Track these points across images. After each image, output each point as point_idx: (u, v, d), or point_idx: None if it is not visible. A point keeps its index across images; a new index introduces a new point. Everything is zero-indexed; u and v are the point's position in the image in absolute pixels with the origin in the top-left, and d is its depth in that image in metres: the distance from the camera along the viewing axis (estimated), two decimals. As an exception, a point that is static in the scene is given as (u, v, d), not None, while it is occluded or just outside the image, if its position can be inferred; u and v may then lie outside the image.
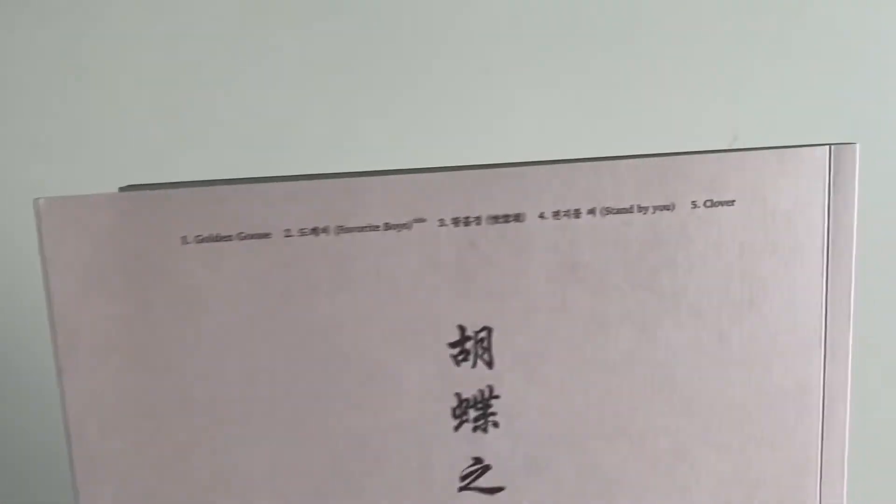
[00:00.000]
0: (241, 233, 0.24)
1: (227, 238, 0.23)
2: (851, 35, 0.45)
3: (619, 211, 0.24)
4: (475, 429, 0.25)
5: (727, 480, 0.26)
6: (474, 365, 0.25)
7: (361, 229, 0.24)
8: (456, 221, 0.24)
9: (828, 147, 0.25)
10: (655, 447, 0.25)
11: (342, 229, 0.24)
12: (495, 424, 0.25)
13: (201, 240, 0.23)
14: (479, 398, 0.25)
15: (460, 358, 0.25)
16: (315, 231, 0.24)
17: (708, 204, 0.24)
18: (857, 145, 0.25)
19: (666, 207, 0.24)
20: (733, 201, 0.25)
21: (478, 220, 0.24)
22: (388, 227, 0.24)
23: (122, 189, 0.25)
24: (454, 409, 0.25)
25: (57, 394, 0.24)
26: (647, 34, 0.45)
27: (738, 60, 0.45)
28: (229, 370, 0.24)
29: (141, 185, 0.25)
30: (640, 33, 0.45)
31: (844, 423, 0.26)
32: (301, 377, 0.24)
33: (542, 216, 0.24)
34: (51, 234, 0.23)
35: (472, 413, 0.25)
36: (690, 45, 0.45)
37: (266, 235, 0.24)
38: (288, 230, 0.24)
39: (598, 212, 0.24)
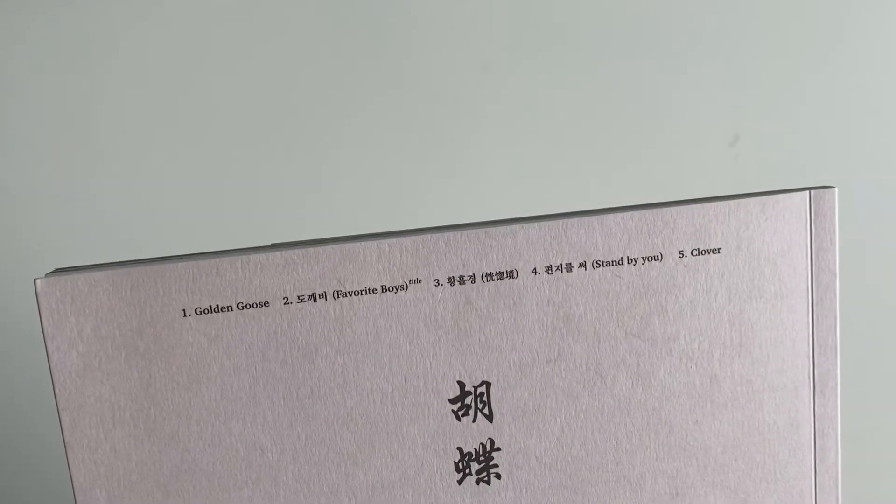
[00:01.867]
0: (241, 303, 0.24)
1: (227, 309, 0.24)
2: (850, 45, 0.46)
3: (610, 263, 0.25)
4: (478, 481, 0.26)
5: None
6: (475, 419, 0.25)
7: (359, 293, 0.24)
8: (451, 280, 0.24)
9: (808, 192, 0.25)
10: (654, 489, 0.26)
11: (340, 294, 0.24)
12: (497, 476, 0.26)
13: (201, 311, 0.24)
14: (480, 451, 0.25)
15: (461, 413, 0.25)
16: (313, 297, 0.24)
17: (695, 252, 0.25)
18: (836, 189, 0.25)
19: (654, 258, 0.25)
20: (719, 249, 0.25)
21: (472, 278, 0.25)
22: (384, 289, 0.24)
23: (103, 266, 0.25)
24: (457, 463, 0.25)
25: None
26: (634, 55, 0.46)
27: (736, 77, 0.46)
28: (234, 437, 0.24)
29: (130, 260, 0.25)
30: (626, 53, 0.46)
31: (836, 455, 0.27)
32: (305, 440, 0.25)
33: (534, 272, 0.25)
34: (51, 313, 0.23)
35: (475, 466, 0.25)
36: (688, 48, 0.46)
37: (265, 304, 0.24)
38: (286, 298, 0.24)
39: (588, 265, 0.25)
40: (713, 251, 0.25)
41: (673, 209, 0.25)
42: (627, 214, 0.25)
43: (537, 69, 0.45)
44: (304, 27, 0.44)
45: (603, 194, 0.46)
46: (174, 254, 0.26)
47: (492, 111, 0.45)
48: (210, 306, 0.24)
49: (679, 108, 0.46)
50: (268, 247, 0.25)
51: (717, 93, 0.46)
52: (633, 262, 0.25)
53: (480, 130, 0.45)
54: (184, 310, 0.24)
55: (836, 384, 0.26)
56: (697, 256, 0.25)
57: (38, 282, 0.23)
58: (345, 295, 0.24)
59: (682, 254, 0.25)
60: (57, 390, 0.24)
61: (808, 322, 0.26)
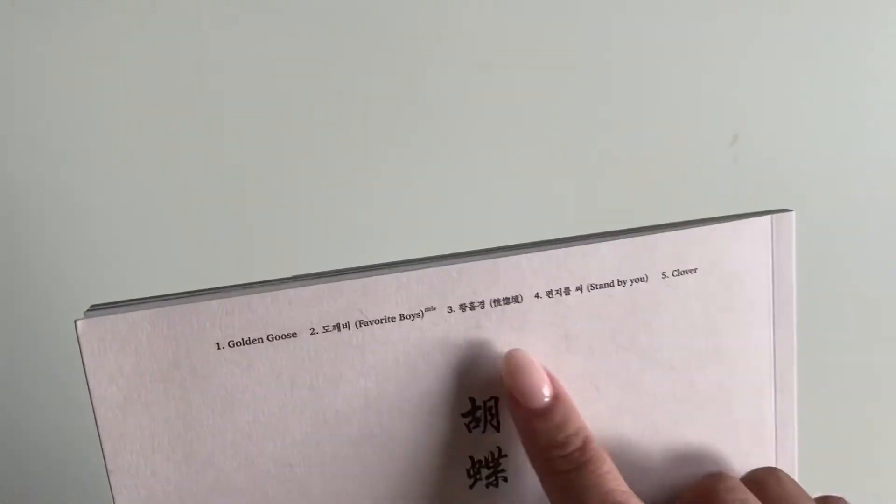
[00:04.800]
0: (271, 335, 0.26)
1: (259, 340, 0.26)
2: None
3: (603, 286, 0.28)
4: (488, 485, 0.28)
5: None
6: (484, 430, 0.28)
7: (380, 322, 0.26)
8: (462, 307, 0.27)
9: (770, 216, 0.29)
10: (642, 485, 0.29)
11: (362, 323, 0.26)
12: (505, 479, 0.28)
13: (234, 344, 0.26)
14: (489, 458, 0.28)
15: (472, 425, 0.28)
16: (337, 327, 0.26)
17: (675, 273, 0.28)
18: (794, 213, 0.29)
19: (641, 279, 0.28)
20: (696, 269, 0.28)
21: (482, 304, 0.27)
22: (402, 317, 0.27)
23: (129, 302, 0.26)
24: (469, 470, 0.28)
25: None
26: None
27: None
28: (266, 457, 0.26)
29: (163, 296, 0.26)
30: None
31: (793, 447, 0.31)
32: (332, 457, 0.27)
33: (537, 296, 0.27)
34: (91, 352, 0.25)
35: (485, 472, 0.28)
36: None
37: (293, 335, 0.26)
38: (313, 329, 0.26)
39: (584, 288, 0.28)
40: (691, 271, 0.28)
41: (657, 236, 0.28)
42: (619, 242, 0.28)
43: (535, 68, 0.47)
44: (305, 68, 0.45)
45: (603, 196, 0.48)
46: (199, 286, 0.27)
47: (486, 103, 0.47)
48: (242, 339, 0.26)
49: (679, 108, 0.48)
50: (290, 279, 0.27)
51: (717, 93, 0.48)
52: (623, 283, 0.28)
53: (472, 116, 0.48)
54: (217, 343, 0.25)
55: (793, 384, 0.30)
56: (678, 277, 0.28)
57: (78, 323, 0.25)
58: (366, 324, 0.26)
59: (664, 275, 0.28)
60: (99, 422, 0.25)
61: (770, 330, 0.30)
